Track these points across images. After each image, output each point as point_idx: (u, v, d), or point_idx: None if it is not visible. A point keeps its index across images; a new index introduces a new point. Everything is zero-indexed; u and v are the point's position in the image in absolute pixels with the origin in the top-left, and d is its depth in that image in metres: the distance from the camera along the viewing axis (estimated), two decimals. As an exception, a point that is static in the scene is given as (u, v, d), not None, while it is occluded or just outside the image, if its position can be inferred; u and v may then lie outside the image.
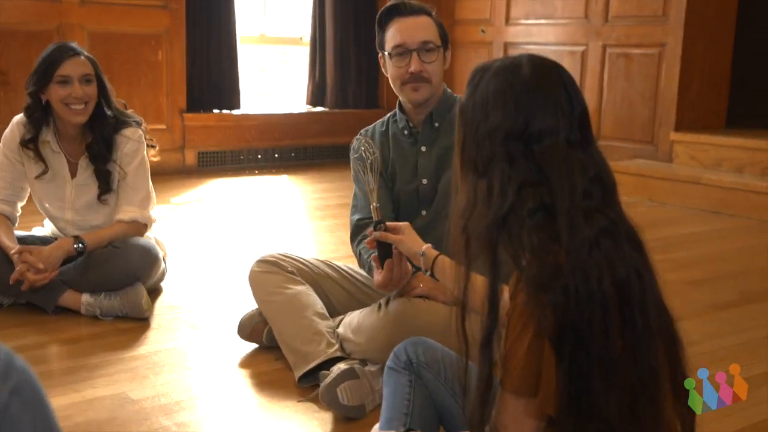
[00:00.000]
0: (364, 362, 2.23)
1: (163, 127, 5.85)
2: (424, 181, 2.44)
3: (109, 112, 2.91)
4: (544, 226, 1.26)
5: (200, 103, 6.09)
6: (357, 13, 6.68)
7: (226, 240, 4.01)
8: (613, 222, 1.29)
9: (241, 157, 6.25)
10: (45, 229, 3.15)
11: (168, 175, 5.59)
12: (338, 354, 2.25)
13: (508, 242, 1.27)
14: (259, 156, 6.33)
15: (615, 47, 5.83)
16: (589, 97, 5.90)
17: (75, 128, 2.90)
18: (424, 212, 2.44)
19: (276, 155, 6.41)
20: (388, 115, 2.58)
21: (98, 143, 2.89)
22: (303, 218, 4.68)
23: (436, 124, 2.43)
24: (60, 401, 2.14)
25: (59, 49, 2.86)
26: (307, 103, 6.86)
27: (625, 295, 1.27)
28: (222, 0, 6.02)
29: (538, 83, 1.31)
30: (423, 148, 2.45)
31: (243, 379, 2.36)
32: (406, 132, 2.48)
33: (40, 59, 2.86)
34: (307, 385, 2.26)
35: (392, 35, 2.36)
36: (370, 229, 2.08)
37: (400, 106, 2.49)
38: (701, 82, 5.60)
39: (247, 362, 2.48)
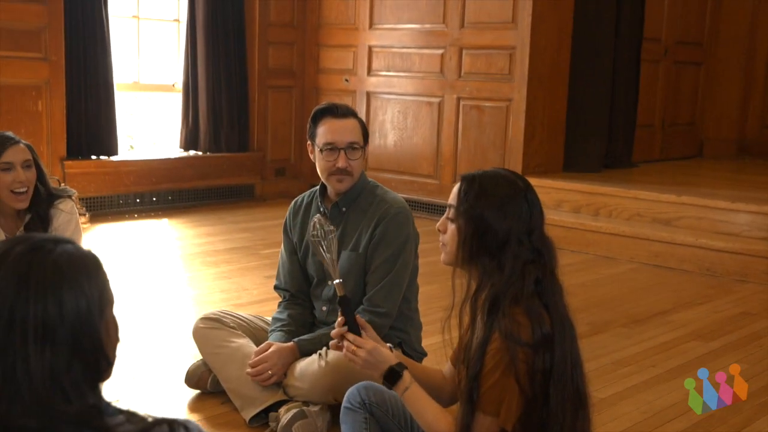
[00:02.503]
0: (306, 403, 2.69)
1: (44, 174, 6.00)
2: (328, 256, 2.91)
3: (43, 191, 3.21)
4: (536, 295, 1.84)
5: (79, 151, 6.29)
6: (228, 59, 7.05)
7: (129, 289, 4.32)
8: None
9: (120, 202, 6.49)
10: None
11: (53, 222, 5.75)
12: (284, 397, 2.71)
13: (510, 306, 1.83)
14: (138, 200, 6.59)
15: (468, 100, 6.53)
16: (446, 144, 6.57)
17: (14, 209, 3.17)
18: (330, 283, 2.90)
19: (154, 199, 6.68)
20: (314, 189, 3.01)
21: (35, 224, 3.16)
22: (197, 265, 5.02)
23: (343, 209, 2.91)
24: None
25: (1, 138, 3.15)
26: (180, 147, 7.17)
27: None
28: (99, 50, 6.26)
29: (529, 189, 1.90)
30: (331, 227, 2.92)
31: (199, 422, 2.76)
32: (321, 211, 2.94)
33: None
34: (257, 425, 2.69)
35: (323, 133, 2.83)
36: (341, 318, 2.14)
37: (323, 186, 2.96)
38: (542, 131, 6.39)
39: (196, 407, 2.88)
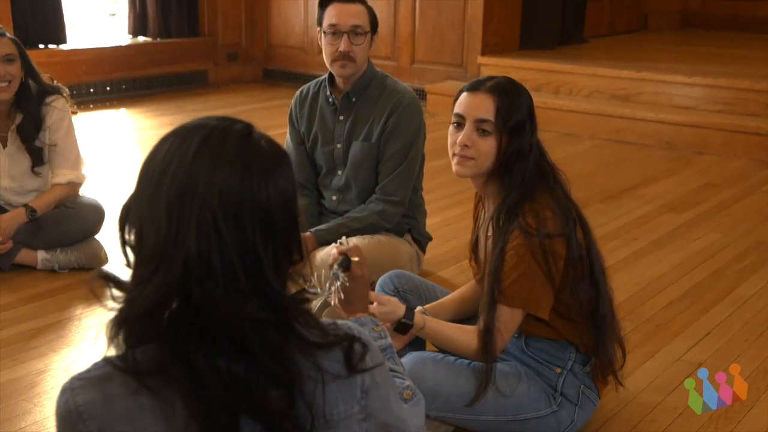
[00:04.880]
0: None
1: (-7, 66, 5.79)
2: (338, 146, 2.96)
3: (34, 87, 3.14)
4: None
5: (27, 40, 6.03)
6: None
7: (120, 178, 4.29)
8: None
9: (74, 92, 6.30)
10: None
11: None
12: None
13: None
14: (91, 90, 6.42)
15: (425, -21, 6.47)
16: (404, 25, 6.53)
17: (2, 104, 3.10)
18: (339, 172, 2.97)
19: (108, 88, 6.52)
20: (321, 78, 3.02)
21: (27, 123, 3.11)
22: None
23: (353, 99, 2.93)
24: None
25: None
26: (128, 33, 6.96)
27: None
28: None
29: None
30: (341, 117, 2.95)
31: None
32: (330, 101, 2.97)
33: None
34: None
35: (329, 16, 2.83)
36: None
37: (330, 76, 2.97)
38: (500, 11, 6.39)
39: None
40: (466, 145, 2.01)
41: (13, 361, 2.48)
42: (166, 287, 1.03)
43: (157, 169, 1.06)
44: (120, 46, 6.66)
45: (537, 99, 5.86)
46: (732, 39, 7.59)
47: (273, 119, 6.00)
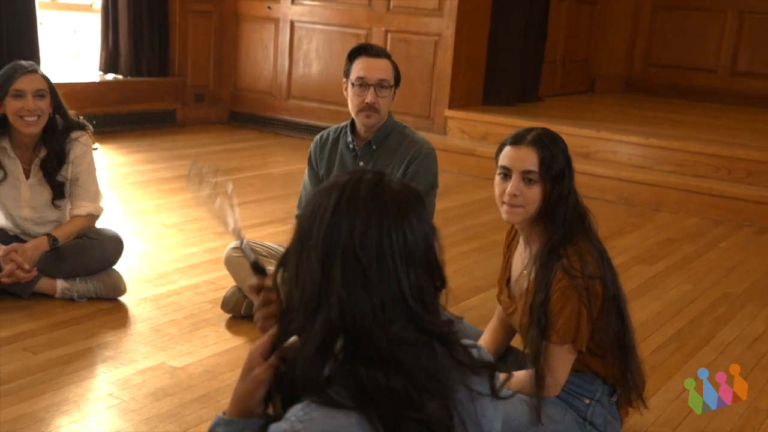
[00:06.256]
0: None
1: (-32, 96, 5.80)
2: None
3: (60, 122, 3.24)
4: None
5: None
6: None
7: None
8: None
9: (46, 126, 6.33)
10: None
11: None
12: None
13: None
14: (63, 124, 6.44)
15: (396, 33, 6.75)
16: (374, 75, 6.78)
17: (29, 138, 3.19)
18: None
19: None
20: (342, 125, 3.21)
21: (51, 159, 3.21)
22: (156, 192, 5.07)
23: (374, 146, 3.14)
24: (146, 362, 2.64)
25: (15, 67, 3.16)
26: (100, 70, 7.02)
27: None
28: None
29: None
30: (360, 163, 3.15)
31: (244, 344, 2.96)
32: (350, 147, 3.16)
33: None
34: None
35: (357, 69, 3.03)
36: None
37: (353, 123, 3.16)
38: (467, 66, 6.71)
39: (237, 330, 3.08)
40: (515, 195, 2.23)
41: (56, 384, 2.56)
42: (328, 325, 1.19)
43: (306, 226, 1.24)
44: (93, 82, 6.72)
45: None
46: (673, 104, 8.09)
47: (239, 161, 6.16)
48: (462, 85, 6.72)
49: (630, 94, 8.88)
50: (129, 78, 6.99)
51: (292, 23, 7.25)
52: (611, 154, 6.01)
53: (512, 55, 7.05)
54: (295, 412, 1.18)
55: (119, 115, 6.83)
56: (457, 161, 6.25)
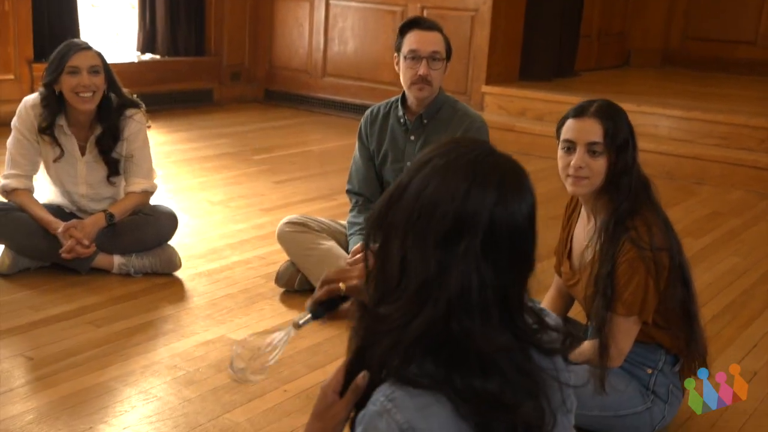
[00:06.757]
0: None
1: (11, 77, 5.90)
2: (408, 164, 3.16)
3: (115, 100, 3.28)
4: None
5: (43, 53, 6.12)
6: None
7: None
8: None
9: (87, 106, 6.39)
10: (41, 198, 3.44)
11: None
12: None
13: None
14: (103, 104, 6.50)
15: (433, 9, 6.72)
16: (410, 52, 6.76)
17: (84, 115, 3.23)
18: None
19: (119, 103, 6.60)
20: (392, 100, 3.22)
21: (106, 136, 3.25)
22: (199, 171, 5.11)
23: (425, 120, 3.14)
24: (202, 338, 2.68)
25: (69, 44, 3.20)
26: (137, 50, 7.07)
27: None
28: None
29: None
30: (412, 137, 3.16)
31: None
32: (401, 121, 3.17)
33: (54, 54, 3.18)
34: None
35: (409, 42, 3.04)
36: None
37: (403, 97, 3.16)
38: (504, 42, 6.68)
39: (291, 304, 3.11)
40: (580, 167, 2.22)
41: (121, 356, 2.61)
42: (432, 321, 1.13)
43: (422, 209, 1.14)
44: (132, 62, 6.77)
45: (541, 128, 6.15)
46: (712, 78, 7.99)
47: (277, 139, 6.19)
48: (499, 60, 6.68)
49: (667, 68, 8.79)
50: (166, 58, 7.03)
51: (327, 1, 7.24)
52: (652, 128, 5.95)
53: (549, 29, 7.00)
54: (381, 393, 1.15)
55: (157, 95, 6.85)
56: (495, 137, 6.17)
